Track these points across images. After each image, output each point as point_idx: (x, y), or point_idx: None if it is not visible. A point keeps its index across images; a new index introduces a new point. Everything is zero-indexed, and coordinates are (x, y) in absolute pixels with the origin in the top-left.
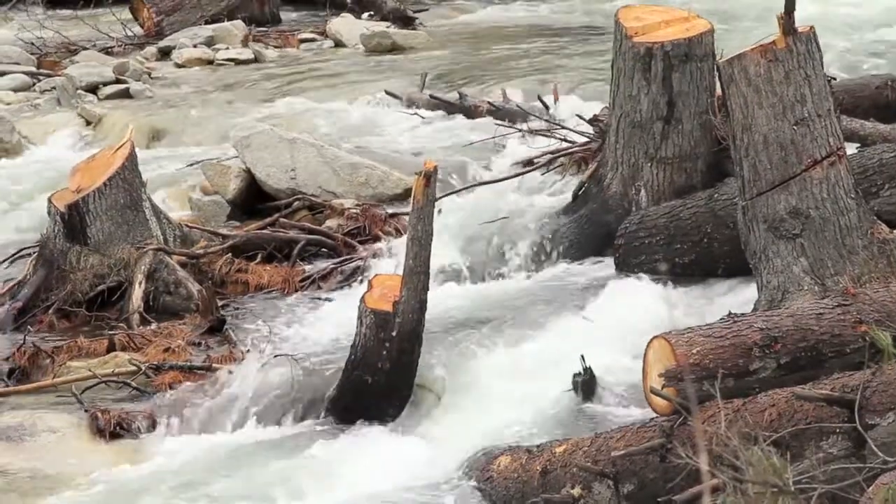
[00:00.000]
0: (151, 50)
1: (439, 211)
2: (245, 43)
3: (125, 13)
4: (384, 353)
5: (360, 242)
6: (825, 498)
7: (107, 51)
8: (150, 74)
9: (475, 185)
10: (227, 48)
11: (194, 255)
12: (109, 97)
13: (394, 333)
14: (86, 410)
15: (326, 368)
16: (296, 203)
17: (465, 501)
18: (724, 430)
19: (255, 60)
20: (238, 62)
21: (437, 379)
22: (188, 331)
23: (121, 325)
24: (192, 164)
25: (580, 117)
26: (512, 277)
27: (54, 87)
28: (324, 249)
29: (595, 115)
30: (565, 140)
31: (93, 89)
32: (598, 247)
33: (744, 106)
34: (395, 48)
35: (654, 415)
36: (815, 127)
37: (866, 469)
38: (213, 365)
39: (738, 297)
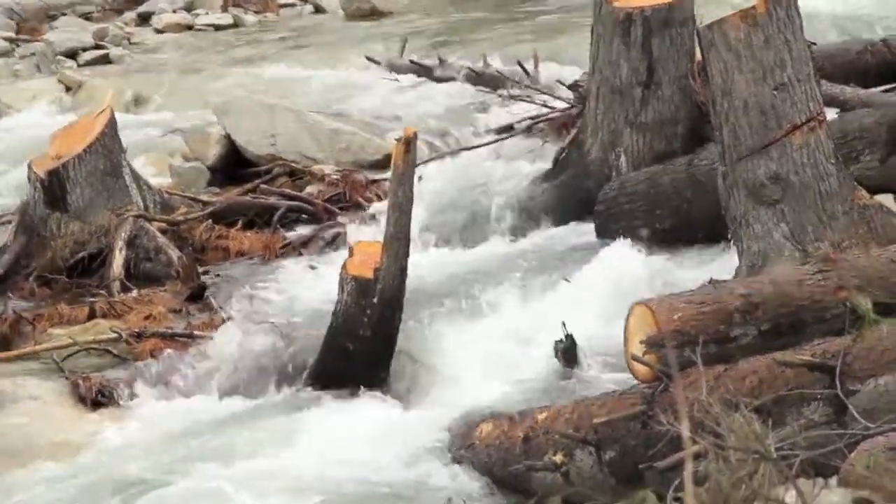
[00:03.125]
0: (131, 15)
1: (419, 177)
2: (225, 8)
3: None
4: (365, 319)
5: (341, 209)
6: (807, 464)
7: (86, 16)
8: (129, 40)
9: (455, 151)
10: (207, 13)
11: (175, 222)
12: (89, 63)
13: (375, 300)
14: (67, 378)
15: (308, 335)
16: (276, 169)
17: (448, 469)
18: (705, 397)
19: (235, 26)
20: (218, 27)
21: (419, 345)
22: (169, 298)
23: (101, 292)
24: (172, 131)
25: (560, 83)
26: (493, 243)
27: (34, 53)
28: (304, 216)
29: (575, 81)
30: (545, 105)
31: (72, 55)
32: (578, 212)
33: (724, 71)
34: (374, 13)
35: (636, 381)
36: (795, 92)
37: (847, 435)
38: (194, 332)
39: (719, 262)
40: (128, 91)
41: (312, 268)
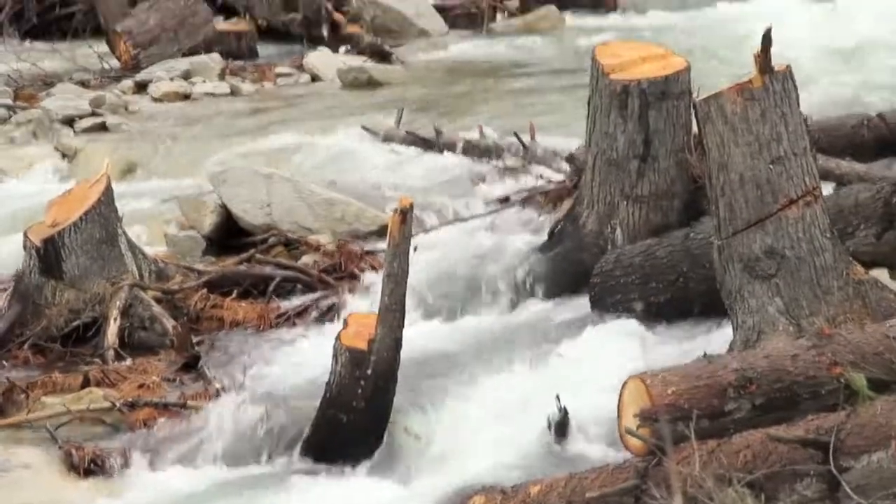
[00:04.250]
0: (128, 83)
1: (415, 248)
2: (222, 76)
3: (102, 46)
4: (359, 391)
5: (336, 279)
6: None
7: (84, 84)
8: (126, 108)
9: (451, 223)
10: (204, 82)
11: (170, 291)
12: (86, 130)
13: (369, 371)
14: (60, 447)
15: (301, 406)
16: (272, 239)
17: None
18: (698, 472)
19: (232, 94)
20: (215, 96)
21: (412, 418)
22: (163, 367)
23: (95, 360)
24: (168, 199)
25: (557, 155)
26: (487, 315)
27: (31, 120)
28: (299, 286)
29: (571, 153)
30: (541, 177)
31: (69, 122)
32: (573, 285)
33: (720, 144)
34: (371, 83)
35: (629, 455)
36: (791, 166)
37: None
38: (188, 402)
39: (714, 337)
40: (124, 159)
41: (306, 338)
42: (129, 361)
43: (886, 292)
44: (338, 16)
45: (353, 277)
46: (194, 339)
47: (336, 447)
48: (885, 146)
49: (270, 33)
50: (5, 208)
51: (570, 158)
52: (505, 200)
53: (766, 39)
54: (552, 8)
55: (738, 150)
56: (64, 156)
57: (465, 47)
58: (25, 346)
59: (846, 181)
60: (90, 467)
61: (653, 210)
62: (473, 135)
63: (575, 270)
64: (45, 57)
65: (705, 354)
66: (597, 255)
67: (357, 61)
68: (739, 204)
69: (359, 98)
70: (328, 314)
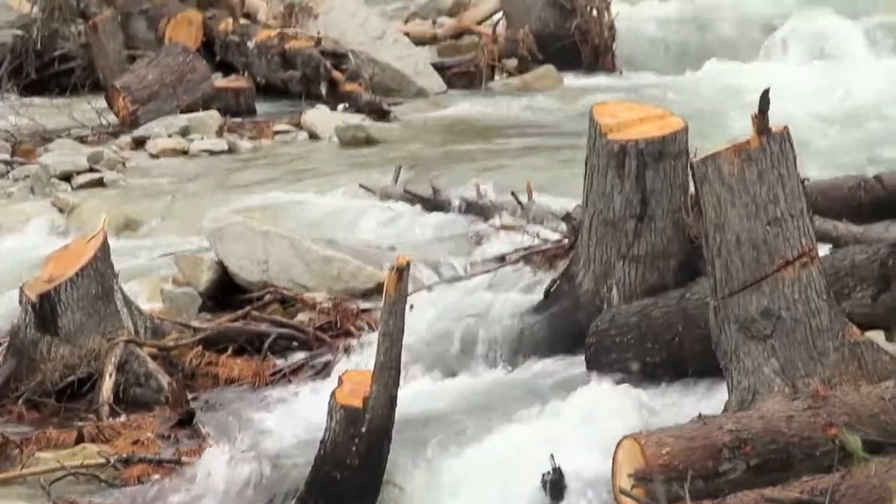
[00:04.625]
0: (126, 139)
1: (411, 306)
2: (220, 133)
3: (100, 102)
4: (353, 449)
5: (332, 337)
6: None
7: (81, 139)
8: (124, 164)
9: (448, 281)
10: (202, 138)
11: (165, 347)
12: (83, 186)
13: (363, 429)
14: (54, 503)
15: (296, 464)
16: (268, 296)
17: None
18: None
19: (230, 151)
20: (212, 153)
21: (406, 476)
22: (158, 423)
23: (90, 416)
24: (164, 255)
25: (553, 214)
26: (483, 374)
27: (28, 176)
28: (295, 343)
29: (568, 212)
30: (538, 236)
31: (67, 178)
32: (569, 345)
33: (717, 205)
34: (369, 141)
35: None
36: (787, 227)
37: None
38: (182, 458)
39: (709, 397)
40: (121, 215)
41: (302, 395)
42: (123, 417)
43: (882, 354)
44: (336, 74)
45: (349, 335)
46: (189, 396)
47: None
48: (881, 208)
49: (269, 90)
50: (2, 263)
51: (567, 218)
52: (502, 259)
53: (764, 100)
54: (550, 68)
55: (735, 211)
56: (61, 211)
57: (464, 106)
58: (20, 402)
59: (843, 243)
60: None
61: (649, 270)
62: (471, 193)
63: (571, 330)
64: (44, 112)
65: (700, 415)
66: (593, 315)
67: (355, 119)
68: (736, 265)
69: (357, 156)
70: (323, 371)
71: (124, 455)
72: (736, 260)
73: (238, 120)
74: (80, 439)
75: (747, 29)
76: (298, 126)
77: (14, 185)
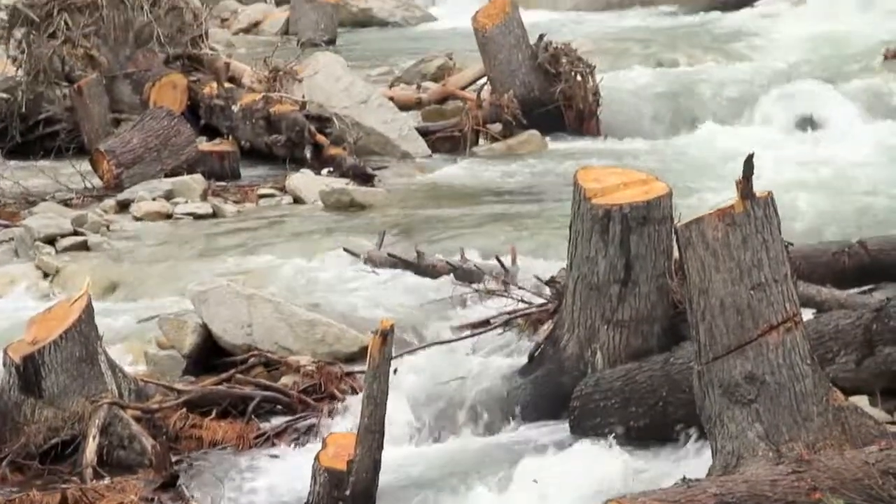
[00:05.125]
0: (110, 202)
1: (395, 370)
2: (204, 197)
3: (85, 165)
4: None
5: (316, 400)
6: None
7: (66, 202)
8: (108, 227)
9: (431, 345)
10: (186, 202)
11: (149, 410)
12: (67, 249)
13: (347, 492)
14: None
15: None
16: (252, 359)
17: None
18: None
19: (214, 215)
20: (197, 216)
21: None
22: (141, 486)
23: (74, 478)
24: (148, 318)
25: (537, 278)
26: (467, 438)
27: (12, 238)
28: (279, 406)
29: (552, 277)
30: (522, 300)
31: (51, 241)
32: (553, 409)
33: (701, 269)
34: (354, 205)
35: None
36: (771, 292)
37: None
38: None
39: (693, 461)
40: (105, 278)
41: (285, 458)
42: (107, 480)
43: (866, 419)
44: (321, 138)
45: (333, 398)
46: (173, 459)
47: None
48: (865, 274)
49: (253, 154)
50: None
51: (552, 282)
52: (486, 323)
53: (748, 165)
54: (535, 133)
55: (719, 276)
56: (45, 274)
57: (448, 170)
58: (3, 464)
59: (826, 308)
60: None
61: (633, 334)
62: (455, 257)
63: (555, 394)
64: (28, 175)
65: (684, 479)
66: (577, 379)
67: (340, 183)
68: (720, 329)
69: (341, 220)
70: (307, 435)
71: None
72: (720, 324)
73: (222, 184)
74: (63, 502)
75: (732, 95)
76: (283, 190)
77: None
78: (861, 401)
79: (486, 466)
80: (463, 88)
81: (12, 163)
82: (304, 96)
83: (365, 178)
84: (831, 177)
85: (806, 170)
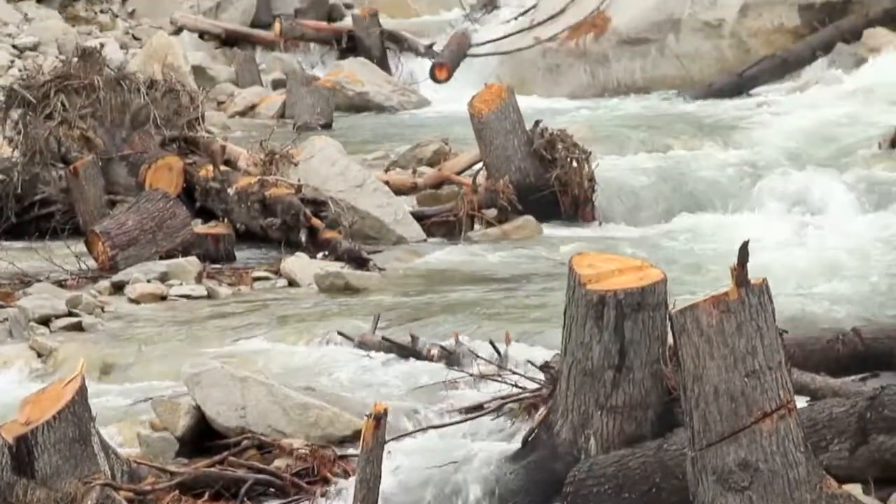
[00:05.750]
0: (105, 284)
1: (388, 453)
2: (199, 279)
3: (80, 246)
4: None
5: (309, 483)
6: None
7: (60, 283)
8: (103, 308)
9: (425, 429)
10: (181, 284)
11: (142, 492)
12: (62, 330)
13: None
14: None
15: None
16: (245, 442)
17: None
18: None
19: (209, 297)
20: (191, 298)
21: None
22: None
23: None
24: (142, 400)
25: (531, 363)
26: None
27: (6, 319)
28: (272, 489)
29: (546, 362)
30: (516, 385)
31: (45, 321)
32: (547, 494)
33: (695, 356)
34: (348, 288)
35: None
36: (765, 379)
37: None
38: None
39: None
40: (99, 359)
41: None
42: None
43: None
44: (316, 221)
45: (326, 482)
46: None
47: None
48: (859, 362)
49: (248, 237)
50: None
51: (545, 367)
52: (479, 408)
53: (743, 252)
54: (530, 218)
55: (713, 363)
56: (39, 355)
57: (443, 255)
58: None
59: (820, 395)
60: None
61: (627, 420)
62: (449, 342)
63: (548, 479)
64: (23, 255)
65: None
66: (570, 465)
67: (334, 267)
68: (714, 416)
69: (335, 303)
70: None
71: None
72: (714, 411)
73: (217, 266)
74: None
75: (728, 181)
76: (277, 273)
77: None
78: (855, 489)
79: None
80: (458, 173)
81: (7, 243)
82: (299, 180)
83: (360, 262)
84: (826, 264)
85: (801, 257)
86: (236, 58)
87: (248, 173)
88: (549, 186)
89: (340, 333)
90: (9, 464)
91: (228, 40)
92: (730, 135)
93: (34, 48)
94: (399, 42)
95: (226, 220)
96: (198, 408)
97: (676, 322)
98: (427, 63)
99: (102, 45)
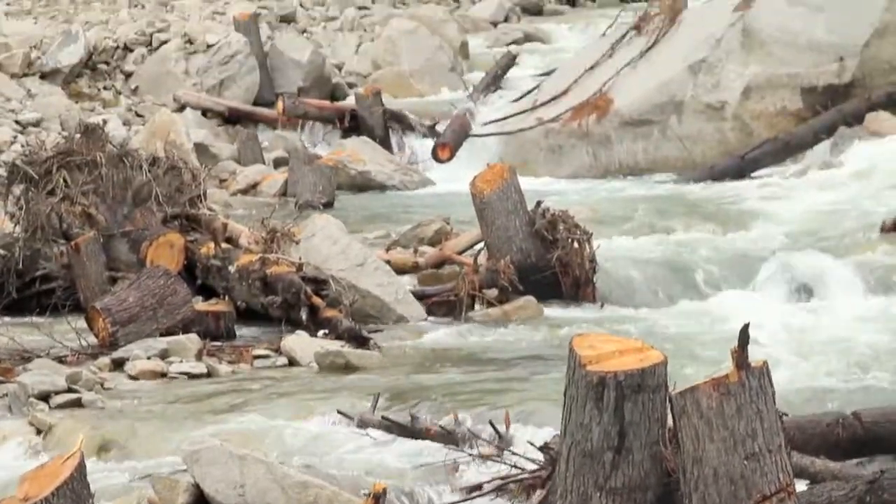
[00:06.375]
0: (105, 360)
1: None
2: (199, 357)
3: (81, 322)
4: None
5: None
6: None
7: (60, 360)
8: (102, 385)
9: None
10: (181, 361)
11: None
12: (61, 406)
13: None
14: None
15: None
16: None
17: None
18: None
19: (209, 375)
20: (191, 376)
21: None
22: None
23: None
24: (141, 477)
25: (531, 444)
26: None
27: (6, 394)
28: None
29: (546, 443)
30: (515, 466)
31: (45, 398)
32: None
33: (695, 438)
34: (348, 367)
35: None
36: (765, 462)
37: None
38: None
39: None
40: (99, 436)
41: None
42: None
43: None
44: (316, 300)
45: None
46: None
47: None
48: (859, 445)
49: (249, 315)
50: None
51: (545, 448)
52: (478, 488)
53: (744, 335)
54: (531, 298)
55: (713, 445)
56: (38, 431)
57: (443, 334)
58: None
59: (820, 479)
60: None
61: (626, 502)
62: (449, 421)
63: None
64: (24, 331)
65: None
66: None
67: (335, 345)
68: (713, 498)
69: (335, 382)
70: None
71: None
72: (713, 494)
73: (217, 344)
74: None
75: (728, 264)
76: (278, 351)
77: None
78: None
79: None
80: (460, 253)
81: (8, 319)
82: (300, 258)
83: (360, 341)
84: (827, 348)
85: (802, 340)
86: (239, 136)
87: (249, 251)
88: (551, 267)
89: (340, 412)
90: None
91: (231, 118)
92: (731, 217)
93: (37, 124)
94: (401, 121)
95: (227, 297)
96: (196, 486)
97: (676, 404)
98: (429, 143)
99: (105, 122)
